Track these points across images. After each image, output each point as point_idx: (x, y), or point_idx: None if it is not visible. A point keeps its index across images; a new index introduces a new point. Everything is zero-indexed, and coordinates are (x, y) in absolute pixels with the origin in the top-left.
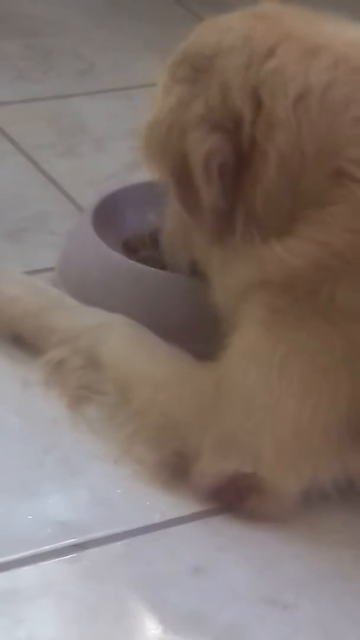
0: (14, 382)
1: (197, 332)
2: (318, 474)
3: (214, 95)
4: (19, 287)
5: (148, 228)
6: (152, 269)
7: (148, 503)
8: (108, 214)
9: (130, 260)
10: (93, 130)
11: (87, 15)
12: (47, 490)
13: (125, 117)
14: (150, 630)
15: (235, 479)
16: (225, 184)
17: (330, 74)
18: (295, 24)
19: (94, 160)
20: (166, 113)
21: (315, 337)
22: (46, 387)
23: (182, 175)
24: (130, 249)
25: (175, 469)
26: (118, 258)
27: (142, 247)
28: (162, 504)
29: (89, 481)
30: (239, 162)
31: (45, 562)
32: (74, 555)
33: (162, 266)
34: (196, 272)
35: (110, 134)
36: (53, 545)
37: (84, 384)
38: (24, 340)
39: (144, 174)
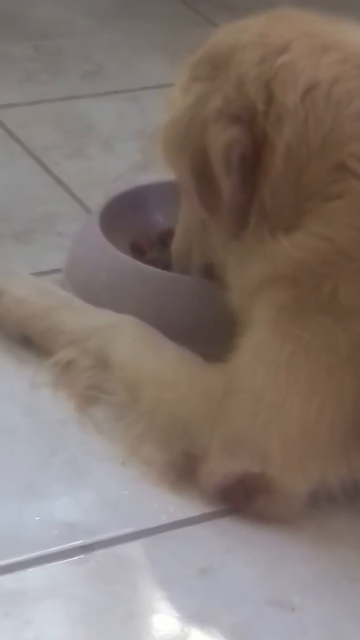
0: (22, 384)
1: (205, 333)
2: (325, 473)
3: (231, 88)
4: (26, 288)
5: (156, 229)
6: (160, 270)
7: (155, 504)
8: (116, 216)
9: (138, 262)
10: (101, 131)
11: (94, 17)
12: (54, 492)
13: (133, 118)
14: (157, 631)
15: (243, 479)
16: (244, 175)
17: (338, 69)
18: (310, 24)
19: (102, 162)
20: (185, 110)
21: (320, 335)
22: (54, 389)
23: (201, 170)
24: (138, 250)
25: (183, 470)
26: (126, 259)
27: (150, 249)
28: (169, 505)
29: (97, 482)
30: (255, 155)
31: (53, 564)
32: (82, 556)
33: (170, 267)
34: (208, 275)
35: (118, 136)
36: (60, 547)
37: (93, 384)
38: (32, 342)
39: (152, 176)
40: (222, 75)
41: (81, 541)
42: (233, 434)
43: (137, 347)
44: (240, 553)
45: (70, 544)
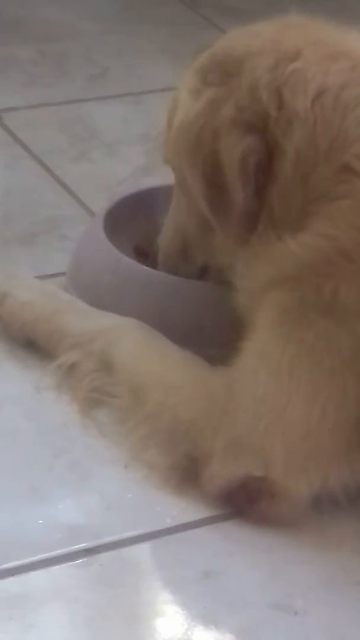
0: (25, 387)
1: (208, 336)
2: (327, 477)
3: (243, 95)
4: (30, 291)
5: (159, 233)
6: (163, 273)
7: (159, 507)
8: (119, 219)
9: (141, 265)
10: (105, 135)
11: (99, 21)
12: (58, 495)
13: (137, 121)
14: (160, 634)
15: (245, 482)
16: (259, 184)
17: (346, 76)
18: (321, 33)
19: (106, 165)
20: (196, 116)
21: (322, 337)
22: (58, 392)
23: (212, 177)
24: (141, 253)
25: (186, 473)
26: (129, 263)
27: (154, 252)
28: (172, 508)
29: (100, 486)
30: (268, 161)
31: (56, 567)
32: (85, 559)
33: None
34: (200, 276)
35: (122, 139)
36: (64, 550)
37: (96, 387)
38: (36, 345)
39: (156, 179)
40: (234, 82)
41: (85, 544)
42: (236, 437)
43: (141, 350)
44: (243, 556)
45: (73, 547)
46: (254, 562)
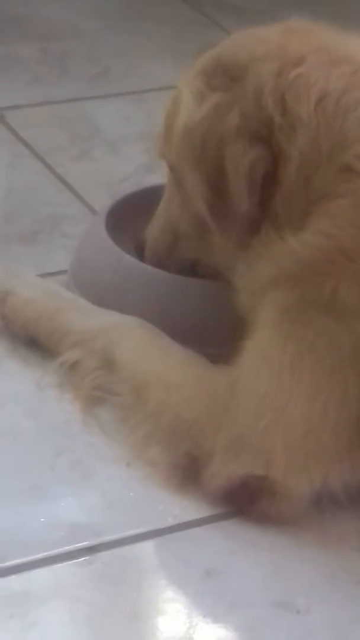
0: (27, 385)
1: (209, 335)
2: (328, 475)
3: (248, 102)
4: (33, 289)
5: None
6: (166, 272)
7: (160, 506)
8: (121, 217)
9: (143, 264)
10: (107, 133)
11: (101, 19)
12: (59, 493)
13: (139, 120)
14: (162, 633)
15: (247, 481)
16: (264, 191)
17: (347, 80)
18: (323, 38)
19: (108, 164)
20: (201, 120)
21: (323, 335)
22: (60, 390)
23: (216, 183)
24: (143, 251)
25: (188, 472)
26: (131, 261)
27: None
28: (174, 507)
29: (102, 484)
30: (274, 169)
31: (58, 565)
32: (87, 558)
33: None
34: (189, 273)
35: (123, 137)
36: (66, 548)
37: (98, 385)
38: (38, 343)
39: (158, 177)
40: (239, 87)
41: (86, 542)
42: (237, 436)
43: (143, 349)
44: (245, 555)
45: (75, 545)
46: (256, 561)
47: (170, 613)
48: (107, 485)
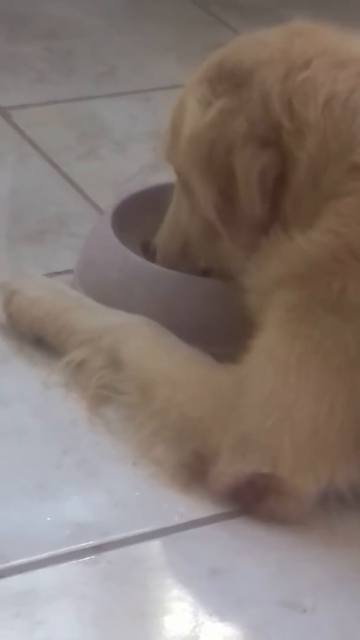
0: (33, 384)
1: (215, 334)
2: (335, 474)
3: (255, 107)
4: (39, 289)
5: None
6: (171, 271)
7: (167, 505)
8: (127, 216)
9: (149, 262)
10: (113, 132)
11: (107, 18)
12: (65, 492)
13: (145, 119)
14: (168, 632)
15: (253, 479)
16: (275, 196)
17: (354, 82)
18: (329, 40)
19: (114, 163)
20: (207, 127)
21: (329, 334)
22: (66, 389)
23: (226, 189)
24: (149, 251)
25: (194, 471)
26: (137, 260)
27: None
28: (180, 505)
29: (108, 483)
30: (283, 173)
31: (64, 564)
32: (93, 557)
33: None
34: (202, 273)
35: (130, 136)
36: (72, 547)
37: (105, 384)
38: (44, 342)
39: (164, 176)
40: (245, 93)
41: (92, 542)
42: (243, 434)
43: (149, 347)
44: (251, 554)
45: (81, 544)
46: (262, 560)
47: (176, 612)
48: (113, 484)
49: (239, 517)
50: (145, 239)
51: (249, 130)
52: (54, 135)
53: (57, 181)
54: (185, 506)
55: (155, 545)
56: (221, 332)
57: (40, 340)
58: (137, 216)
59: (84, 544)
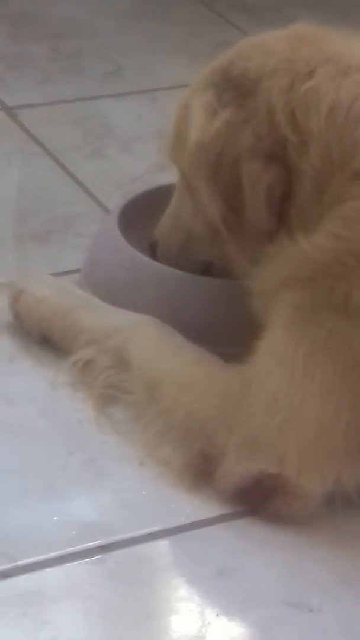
0: (40, 384)
1: (222, 334)
2: (341, 475)
3: (261, 121)
4: (46, 288)
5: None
6: (178, 271)
7: (173, 505)
8: (134, 216)
9: (156, 262)
10: (119, 132)
11: (113, 18)
12: (72, 492)
13: (152, 119)
14: (174, 632)
15: (260, 479)
16: (281, 207)
17: (357, 90)
18: (333, 47)
19: (120, 162)
20: (214, 138)
21: (335, 335)
22: (73, 389)
23: (232, 200)
24: (156, 250)
25: (200, 471)
26: (144, 260)
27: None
28: (187, 506)
29: (114, 483)
30: (289, 185)
31: (71, 564)
32: (99, 556)
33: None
34: (207, 272)
35: (136, 136)
36: (78, 547)
37: (111, 383)
38: (51, 341)
39: (170, 176)
40: (250, 104)
41: (99, 541)
42: (250, 434)
43: (156, 347)
44: (257, 554)
45: (88, 544)
46: (269, 560)
47: (182, 612)
48: (120, 484)
49: (245, 517)
50: (154, 238)
51: (255, 146)
52: (60, 135)
53: (63, 181)
54: (192, 506)
55: (161, 545)
56: (228, 332)
57: (47, 340)
58: (143, 216)
59: (91, 543)
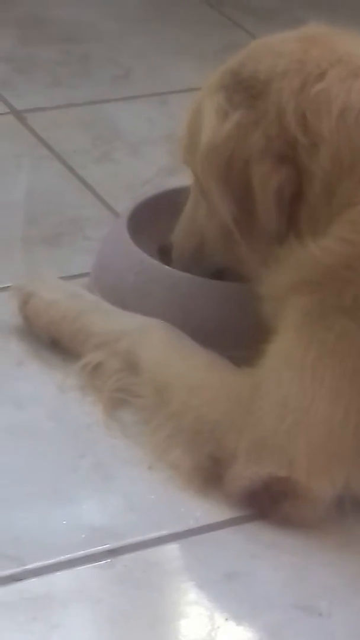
0: (49, 387)
1: (232, 337)
2: (351, 478)
3: (271, 122)
4: (55, 291)
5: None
6: (188, 274)
7: (182, 509)
8: (143, 220)
9: (165, 266)
10: (128, 135)
11: (122, 21)
12: (81, 496)
13: (161, 122)
14: (184, 636)
15: (269, 483)
16: (291, 210)
17: None
18: (345, 47)
19: (130, 166)
20: (225, 140)
21: (344, 338)
22: (82, 392)
23: (243, 202)
24: (165, 254)
25: (210, 474)
26: (153, 263)
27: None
28: (196, 509)
29: (123, 487)
30: (299, 187)
31: (80, 568)
32: (108, 560)
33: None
34: (221, 276)
35: (145, 140)
36: (87, 551)
37: (121, 387)
38: (60, 345)
39: (180, 179)
40: (261, 106)
41: (108, 545)
42: (259, 438)
43: (166, 351)
44: (266, 558)
45: (97, 548)
46: (278, 564)
47: (192, 616)
48: (129, 487)
49: (254, 521)
50: (163, 242)
51: (265, 147)
52: (69, 138)
53: (72, 184)
54: (201, 510)
55: (170, 549)
56: (237, 335)
57: (56, 343)
58: (152, 220)
59: (100, 547)
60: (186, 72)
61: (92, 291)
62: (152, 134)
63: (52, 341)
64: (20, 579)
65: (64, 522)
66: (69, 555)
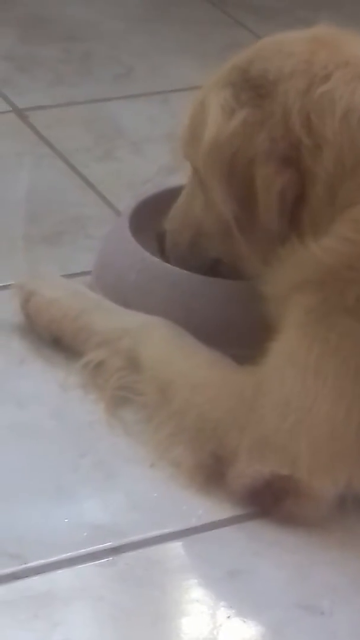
0: (51, 386)
1: (234, 336)
2: (353, 476)
3: (277, 124)
4: (57, 290)
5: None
6: (190, 272)
7: (184, 507)
8: (145, 218)
9: (167, 264)
10: (130, 134)
11: (124, 20)
12: (83, 494)
13: (163, 120)
14: (185, 634)
15: (271, 481)
16: (293, 211)
17: None
18: (352, 50)
19: (132, 164)
20: (230, 137)
21: (346, 337)
22: (84, 391)
23: (245, 201)
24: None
25: (212, 472)
26: (155, 261)
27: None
28: (198, 507)
29: (125, 485)
30: (302, 189)
31: (82, 566)
32: (110, 558)
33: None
34: (215, 269)
35: (147, 138)
36: (89, 549)
37: (123, 385)
38: (62, 343)
39: (181, 178)
40: (267, 106)
41: (110, 543)
42: (262, 436)
43: (168, 349)
44: (269, 556)
45: (99, 546)
46: (280, 562)
47: (194, 614)
48: (131, 486)
49: (256, 519)
50: (161, 229)
51: (270, 149)
52: (71, 136)
53: (74, 183)
54: (203, 508)
55: (173, 547)
56: (240, 334)
57: (58, 342)
58: (154, 218)
59: (102, 545)
60: (188, 71)
61: (93, 289)
62: (154, 133)
63: (54, 339)
64: (22, 577)
65: (66, 520)
66: (70, 554)
